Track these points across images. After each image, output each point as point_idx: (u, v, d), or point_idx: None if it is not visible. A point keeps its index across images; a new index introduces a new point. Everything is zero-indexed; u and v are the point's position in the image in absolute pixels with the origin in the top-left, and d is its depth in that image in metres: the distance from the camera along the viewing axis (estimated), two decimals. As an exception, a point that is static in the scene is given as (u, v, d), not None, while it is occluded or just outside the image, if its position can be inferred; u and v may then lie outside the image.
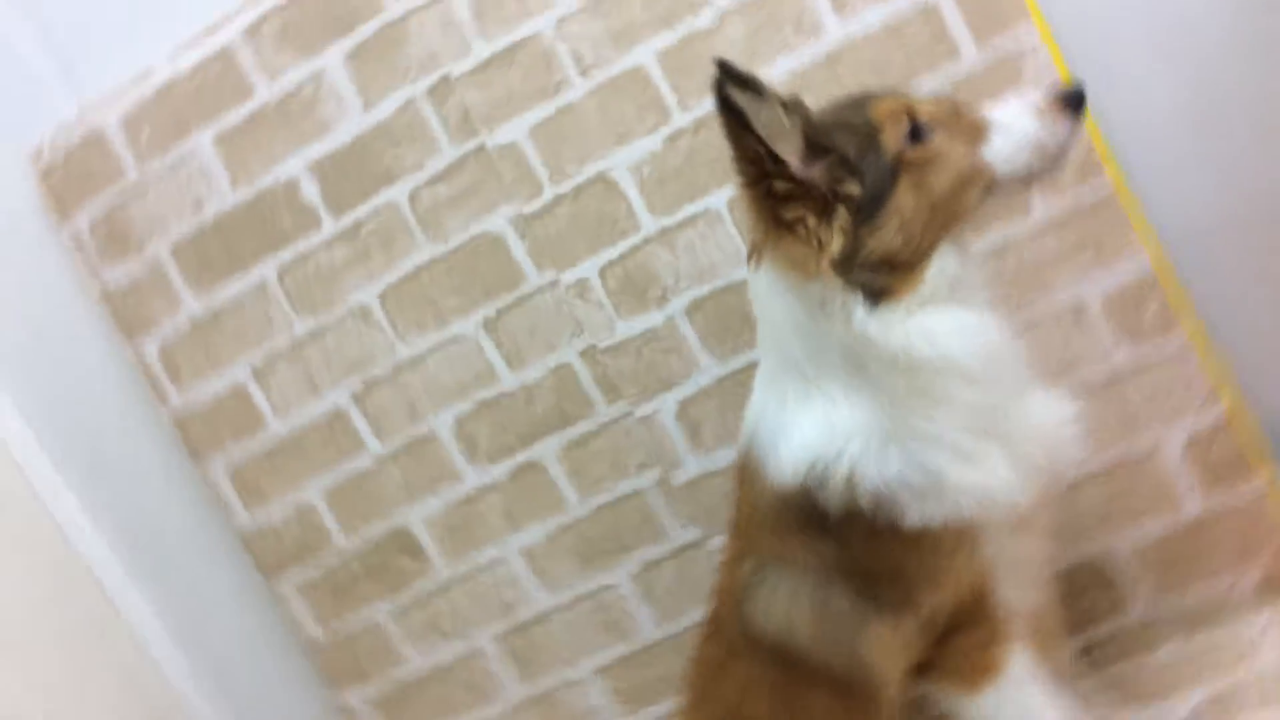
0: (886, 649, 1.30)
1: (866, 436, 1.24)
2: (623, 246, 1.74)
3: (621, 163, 1.72)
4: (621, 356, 1.76)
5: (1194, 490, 1.65)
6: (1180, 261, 1.64)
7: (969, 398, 1.23)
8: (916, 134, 1.23)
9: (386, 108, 1.75)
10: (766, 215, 1.24)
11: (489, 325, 1.78)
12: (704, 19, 1.67)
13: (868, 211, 1.21)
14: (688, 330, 1.74)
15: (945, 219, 1.23)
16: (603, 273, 1.74)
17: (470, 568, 1.85)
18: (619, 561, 1.79)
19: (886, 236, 1.21)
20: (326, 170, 1.77)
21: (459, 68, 1.72)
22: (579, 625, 1.83)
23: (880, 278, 1.21)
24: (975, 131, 1.25)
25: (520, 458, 1.80)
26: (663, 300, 1.74)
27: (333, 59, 1.75)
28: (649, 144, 1.71)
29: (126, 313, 1.86)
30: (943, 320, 1.22)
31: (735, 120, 1.18)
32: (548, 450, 1.79)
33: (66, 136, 1.81)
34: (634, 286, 1.74)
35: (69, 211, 1.83)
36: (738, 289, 1.68)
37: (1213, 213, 1.67)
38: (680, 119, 1.69)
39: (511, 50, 1.71)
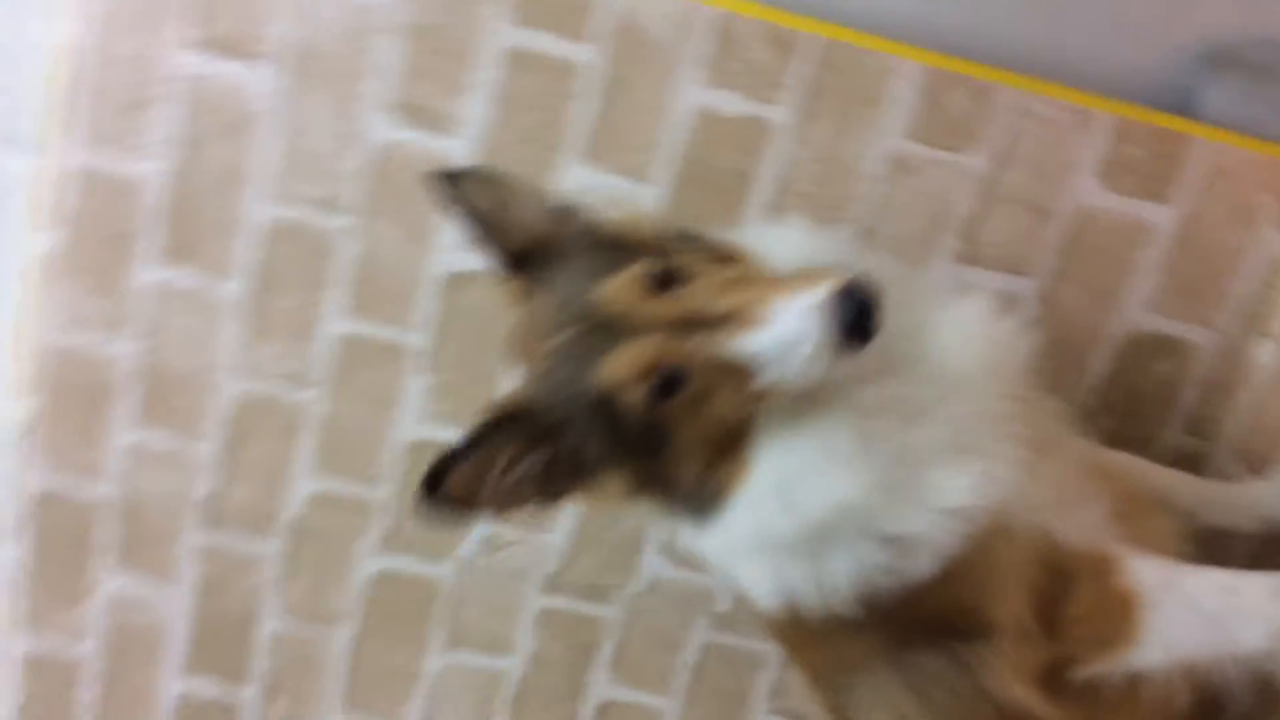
0: (1008, 675, 1.06)
1: (802, 559, 1.03)
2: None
3: (408, 425, 1.49)
4: (577, 560, 1.54)
5: (1148, 205, 1.38)
6: (933, 38, 1.35)
7: (869, 478, 0.98)
8: (669, 384, 0.95)
9: (190, 578, 1.55)
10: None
11: (453, 641, 1.57)
12: (349, 249, 1.43)
13: (648, 460, 0.99)
14: (604, 491, 1.51)
15: (741, 435, 0.99)
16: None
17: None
18: (748, 714, 1.59)
19: (683, 468, 0.99)
20: (195, 667, 1.59)
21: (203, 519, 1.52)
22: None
23: (704, 491, 1.00)
24: (741, 370, 0.95)
25: (587, 711, 1.60)
26: (561, 487, 1.51)
27: (109, 585, 1.55)
28: (413, 391, 1.47)
29: None
30: (793, 464, 0.98)
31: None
32: (599, 686, 1.59)
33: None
34: (528, 498, 1.52)
35: None
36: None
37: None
38: (417, 340, 1.46)
39: (232, 445, 1.50)
